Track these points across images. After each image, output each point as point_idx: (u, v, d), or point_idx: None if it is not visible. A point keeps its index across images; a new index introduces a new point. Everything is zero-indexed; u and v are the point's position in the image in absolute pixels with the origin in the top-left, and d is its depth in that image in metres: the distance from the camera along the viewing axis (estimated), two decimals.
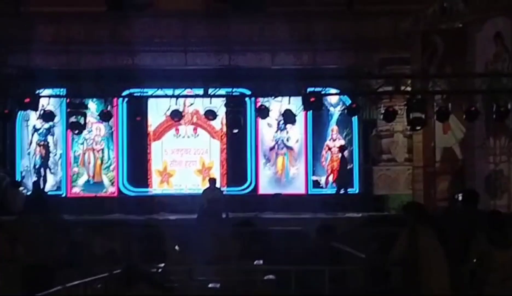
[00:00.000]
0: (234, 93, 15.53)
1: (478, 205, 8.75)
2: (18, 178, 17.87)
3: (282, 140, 18.88)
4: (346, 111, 17.13)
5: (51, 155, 18.36)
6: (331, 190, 18.62)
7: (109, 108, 16.31)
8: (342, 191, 17.88)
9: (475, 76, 14.74)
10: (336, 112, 18.78)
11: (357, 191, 18.69)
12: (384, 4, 17.08)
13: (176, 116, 15.42)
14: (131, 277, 7.45)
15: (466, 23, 15.49)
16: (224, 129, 18.35)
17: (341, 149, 18.07)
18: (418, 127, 14.52)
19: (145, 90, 16.12)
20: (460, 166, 15.80)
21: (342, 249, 13.54)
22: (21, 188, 17.20)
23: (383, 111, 15.54)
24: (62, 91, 16.61)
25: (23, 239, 8.27)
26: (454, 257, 7.54)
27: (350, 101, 16.63)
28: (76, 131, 15.79)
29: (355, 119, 18.23)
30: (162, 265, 10.87)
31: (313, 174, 18.76)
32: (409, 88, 15.15)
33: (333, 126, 18.84)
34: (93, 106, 17.59)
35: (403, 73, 16.46)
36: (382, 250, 8.80)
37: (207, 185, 16.49)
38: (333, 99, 18.49)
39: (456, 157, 15.93)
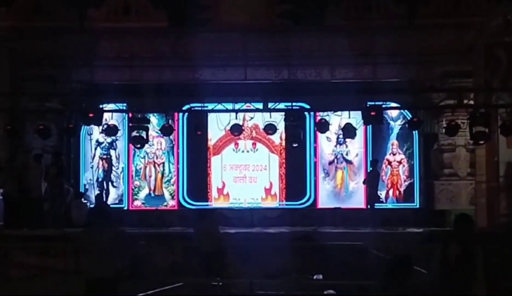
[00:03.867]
0: (293, 108, 15.56)
1: None
2: (81, 190, 18.24)
3: (342, 154, 18.77)
4: (407, 125, 16.98)
5: (113, 168, 18.67)
6: (391, 205, 18.43)
7: (170, 122, 16.53)
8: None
9: None
10: (396, 126, 18.58)
11: (417, 206, 18.43)
12: (446, 17, 16.86)
13: (236, 130, 15.52)
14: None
15: None
16: (283, 143, 18.37)
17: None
18: (481, 142, 14.27)
19: (205, 104, 16.31)
20: None
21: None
22: (83, 199, 17.55)
23: (445, 125, 15.32)
24: (125, 106, 16.95)
25: (87, 252, 8.42)
26: None
27: (410, 115, 16.46)
28: (138, 145, 16.03)
29: (416, 133, 18.02)
30: (222, 278, 10.94)
31: None
32: (471, 102, 14.89)
33: (393, 141, 18.64)
34: (154, 120, 17.89)
35: (466, 87, 16.19)
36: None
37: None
38: (394, 113, 18.31)
39: None
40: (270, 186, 18.78)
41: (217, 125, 18.25)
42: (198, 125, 16.57)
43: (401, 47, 17.04)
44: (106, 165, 18.64)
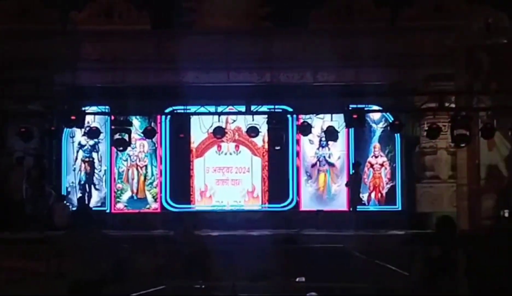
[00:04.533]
0: (276, 110, 15.60)
1: None
2: (63, 193, 18.14)
3: (324, 157, 18.84)
4: (389, 128, 17.05)
5: (95, 171, 18.61)
6: (373, 207, 18.53)
7: (152, 125, 16.51)
8: (352, 209, 17.77)
9: None
10: (378, 129, 18.68)
11: (399, 208, 18.53)
12: (428, 20, 17.00)
13: (219, 133, 15.54)
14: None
15: (511, 39, 15.33)
16: (266, 146, 18.42)
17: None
18: (463, 145, 14.40)
19: (188, 107, 16.32)
20: (505, 183, 15.55)
21: (384, 266, 13.47)
22: (65, 202, 17.47)
23: (426, 128, 15.42)
24: (107, 108, 16.91)
25: (69, 255, 8.38)
26: (498, 277, 7.41)
27: (393, 118, 16.55)
28: (121, 148, 16.02)
29: (397, 136, 18.14)
30: (205, 281, 10.94)
31: None
32: (453, 105, 15.02)
33: (375, 143, 18.73)
34: (137, 123, 17.86)
35: (447, 90, 16.30)
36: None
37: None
38: (376, 116, 18.42)
39: (501, 174, 15.70)
40: (253, 189, 18.81)
41: (200, 128, 18.18)
42: (180, 128, 16.56)
43: (383, 50, 17.15)
44: (88, 168, 18.56)
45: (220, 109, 15.26)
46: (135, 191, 18.71)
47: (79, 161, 18.58)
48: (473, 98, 15.24)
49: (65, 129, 17.48)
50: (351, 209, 17.90)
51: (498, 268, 7.51)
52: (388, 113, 17.85)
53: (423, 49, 16.99)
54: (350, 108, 14.83)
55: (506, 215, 7.74)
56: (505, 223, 7.75)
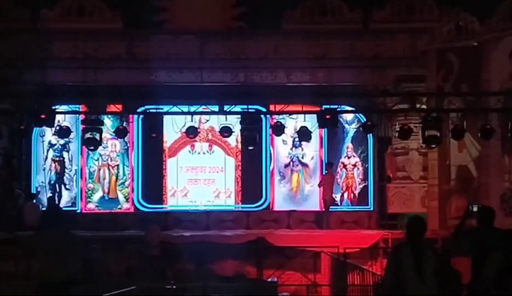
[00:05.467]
0: (249, 110, 15.58)
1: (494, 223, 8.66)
2: (33, 192, 17.94)
3: (297, 157, 18.88)
4: (361, 128, 17.14)
5: (66, 170, 18.44)
6: (346, 207, 18.60)
7: (124, 124, 16.38)
8: (324, 209, 17.84)
9: (490, 95, 14.70)
10: (351, 129, 18.77)
11: (371, 209, 18.63)
12: (399, 22, 17.11)
13: (192, 133, 15.47)
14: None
15: (482, 41, 15.49)
16: (239, 146, 18.40)
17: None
18: (433, 145, 14.49)
19: (161, 106, 16.22)
20: (475, 184, 15.71)
21: (356, 266, 13.55)
22: (35, 201, 17.26)
23: (398, 129, 15.50)
24: (78, 107, 16.74)
25: (38, 255, 8.29)
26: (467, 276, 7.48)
27: (365, 119, 16.63)
28: (92, 148, 15.87)
29: (370, 136, 18.23)
30: (176, 281, 10.91)
31: None
32: (424, 106, 15.12)
33: (348, 144, 18.81)
34: (108, 122, 17.73)
35: (419, 91, 16.42)
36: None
37: None
38: (349, 116, 18.50)
39: (471, 175, 15.84)
40: (226, 189, 18.77)
41: (173, 127, 18.12)
42: (153, 127, 16.42)
43: (355, 52, 17.25)
44: (58, 167, 18.39)
45: (193, 109, 15.19)
46: (106, 190, 18.57)
47: (49, 160, 18.40)
48: (443, 99, 15.37)
49: (35, 128, 17.27)
50: (323, 209, 17.97)
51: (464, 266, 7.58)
52: (360, 114, 17.94)
53: (395, 51, 17.13)
54: (323, 108, 14.85)
55: (475, 209, 7.78)
56: (473, 216, 7.77)
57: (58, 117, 15.45)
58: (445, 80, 16.01)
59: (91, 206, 18.52)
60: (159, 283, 11.02)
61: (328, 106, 15.02)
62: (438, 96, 15.64)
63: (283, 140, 18.46)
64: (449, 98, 15.07)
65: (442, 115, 14.21)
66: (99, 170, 18.58)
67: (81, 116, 16.59)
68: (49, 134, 18.10)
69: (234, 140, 18.25)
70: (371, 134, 17.55)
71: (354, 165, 18.84)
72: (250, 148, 16.44)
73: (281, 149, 18.83)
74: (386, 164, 18.19)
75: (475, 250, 7.65)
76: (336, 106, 15.47)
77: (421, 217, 7.36)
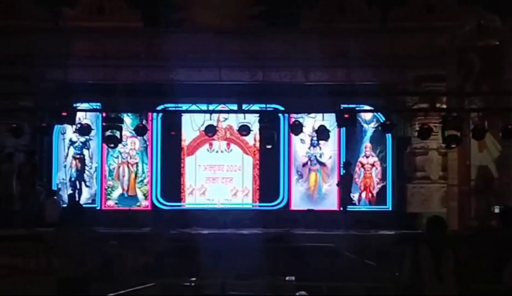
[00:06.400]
0: (267, 109, 15.61)
1: None
2: (54, 188, 18.08)
3: (315, 156, 18.86)
4: (380, 128, 17.10)
5: (86, 168, 18.58)
6: (364, 207, 18.55)
7: (144, 122, 16.48)
8: (342, 209, 17.78)
9: (511, 94, 14.60)
10: (370, 129, 18.71)
11: (390, 208, 18.57)
12: (419, 21, 17.02)
13: (210, 131, 15.54)
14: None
15: (503, 40, 15.38)
16: (257, 144, 18.41)
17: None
18: (453, 145, 14.43)
19: (180, 105, 16.32)
20: (495, 184, 15.61)
21: (373, 266, 13.50)
22: (55, 198, 17.39)
23: (417, 129, 15.45)
24: (98, 105, 16.86)
25: (58, 252, 8.35)
26: (487, 277, 7.44)
27: (384, 118, 16.58)
28: (111, 145, 15.98)
29: (389, 136, 18.16)
30: (194, 279, 10.93)
31: None
32: (444, 106, 15.07)
33: (366, 143, 18.76)
34: (128, 120, 17.84)
35: (439, 91, 16.35)
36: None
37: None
38: (367, 116, 18.45)
39: (491, 175, 15.75)
40: (244, 187, 18.79)
41: (191, 126, 18.22)
42: (172, 125, 16.54)
43: (375, 50, 17.16)
44: (79, 165, 18.53)
45: (211, 107, 15.26)
46: (125, 188, 18.68)
47: (69, 157, 18.54)
48: (464, 99, 15.29)
49: (56, 125, 17.40)
50: (341, 209, 17.92)
51: (484, 267, 7.54)
52: (379, 114, 17.89)
53: (415, 49, 17.00)
54: (341, 108, 14.84)
55: (497, 210, 7.73)
56: (495, 219, 7.71)
57: (79, 115, 15.62)
58: (466, 79, 15.91)
59: (110, 203, 18.64)
60: (178, 279, 11.06)
61: (346, 106, 15.01)
62: (458, 96, 15.56)
63: (301, 139, 18.44)
64: (470, 98, 14.98)
65: (463, 115, 14.17)
66: (119, 167, 18.69)
67: (102, 114, 16.67)
68: (70, 131, 18.27)
69: (252, 139, 18.27)
70: (390, 133, 17.50)
71: (373, 165, 18.79)
72: (268, 146, 16.50)
73: (299, 147, 18.82)
74: (404, 163, 18.15)
75: (497, 251, 7.61)
76: (354, 105, 15.47)
77: (441, 217, 7.34)
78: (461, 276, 6.79)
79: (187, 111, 15.91)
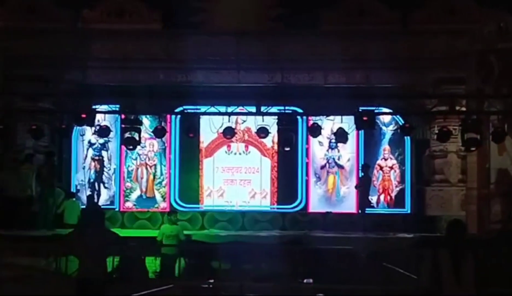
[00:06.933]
0: (286, 111, 15.59)
1: None
2: (72, 190, 18.17)
3: (334, 159, 18.81)
4: (399, 130, 17.01)
5: (105, 169, 18.65)
6: (382, 210, 18.48)
7: (162, 124, 16.53)
8: (360, 211, 17.70)
9: None
10: (388, 131, 18.64)
11: (408, 211, 18.48)
12: (439, 23, 16.93)
13: (229, 133, 15.55)
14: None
15: None
16: (276, 147, 18.41)
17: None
18: (473, 148, 14.33)
19: (198, 107, 16.34)
20: None
21: (393, 269, 13.44)
22: (75, 199, 17.48)
23: (437, 131, 15.36)
24: (117, 107, 16.94)
25: (78, 253, 8.41)
26: (506, 281, 7.38)
27: (403, 121, 16.50)
28: (130, 147, 16.03)
29: (407, 139, 18.06)
30: (213, 280, 10.96)
31: None
32: (464, 109, 14.95)
33: (385, 146, 18.69)
34: (147, 122, 17.91)
35: (458, 93, 16.23)
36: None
37: None
38: (386, 118, 18.37)
39: (511, 179, 15.61)
40: (262, 189, 18.78)
41: (210, 128, 18.26)
42: (190, 127, 16.54)
43: (394, 53, 17.07)
44: (98, 166, 18.62)
45: (230, 109, 15.26)
46: (144, 190, 18.73)
47: (88, 159, 18.63)
48: (484, 102, 15.16)
49: (75, 127, 17.51)
50: (359, 211, 17.86)
51: (504, 271, 7.48)
52: (398, 116, 17.81)
53: (434, 52, 16.90)
54: (360, 110, 14.79)
55: None
56: None
57: (98, 116, 15.69)
58: (486, 82, 15.78)
59: (129, 204, 18.71)
60: (196, 281, 11.09)
61: (365, 108, 14.95)
62: (478, 99, 15.44)
63: (319, 142, 18.40)
64: (490, 100, 14.85)
65: (482, 118, 14.06)
66: (137, 169, 18.76)
67: (121, 116, 16.74)
68: (89, 133, 18.37)
69: (270, 141, 18.26)
70: (408, 136, 17.40)
71: (391, 167, 18.70)
72: (287, 148, 16.48)
73: (317, 150, 18.78)
74: (423, 166, 18.05)
75: None
76: (373, 108, 15.41)
77: (461, 220, 7.30)
78: (480, 279, 6.75)
79: (205, 113, 15.92)
